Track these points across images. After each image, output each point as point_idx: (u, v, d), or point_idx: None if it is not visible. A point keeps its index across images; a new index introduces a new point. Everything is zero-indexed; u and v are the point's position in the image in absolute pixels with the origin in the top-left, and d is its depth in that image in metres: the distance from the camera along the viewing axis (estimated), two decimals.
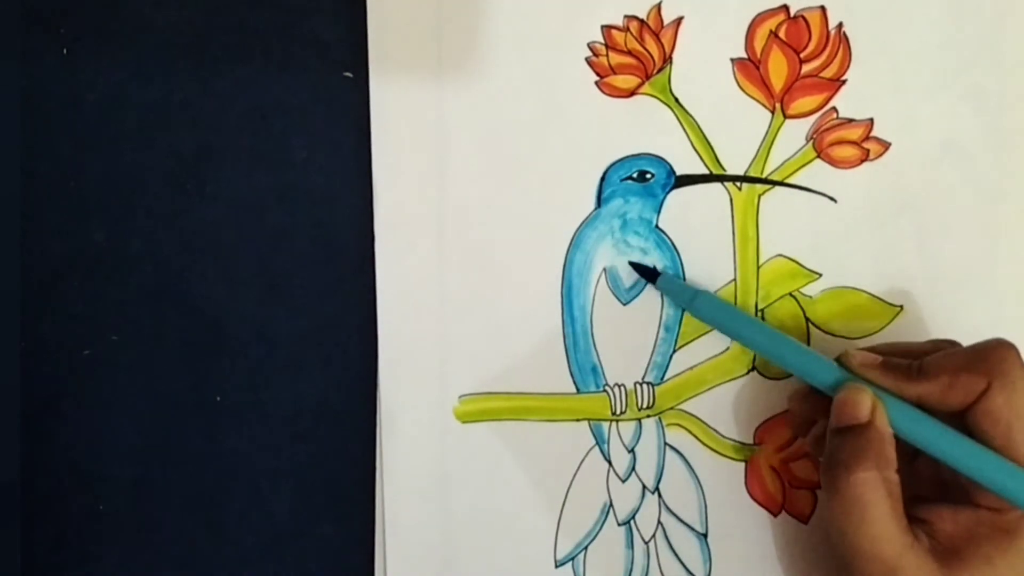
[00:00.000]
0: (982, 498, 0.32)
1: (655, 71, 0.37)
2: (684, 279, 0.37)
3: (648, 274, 0.37)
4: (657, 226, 0.37)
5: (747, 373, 0.37)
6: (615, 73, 0.37)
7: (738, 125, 0.37)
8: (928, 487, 0.34)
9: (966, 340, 0.33)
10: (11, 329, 0.37)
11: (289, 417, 0.38)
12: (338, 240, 0.38)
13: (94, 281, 0.38)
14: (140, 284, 0.38)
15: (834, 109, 0.37)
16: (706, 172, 0.37)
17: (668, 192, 0.37)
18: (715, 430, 0.37)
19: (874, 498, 0.31)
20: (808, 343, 0.37)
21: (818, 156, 0.37)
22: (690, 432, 0.37)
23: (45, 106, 0.38)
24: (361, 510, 0.37)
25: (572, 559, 0.37)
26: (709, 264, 0.37)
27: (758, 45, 0.37)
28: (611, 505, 0.37)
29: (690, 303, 0.36)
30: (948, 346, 0.34)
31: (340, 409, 0.38)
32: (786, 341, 0.35)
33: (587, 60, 0.37)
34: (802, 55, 0.37)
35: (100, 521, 0.38)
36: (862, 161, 0.37)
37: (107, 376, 0.38)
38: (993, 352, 0.32)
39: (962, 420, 0.32)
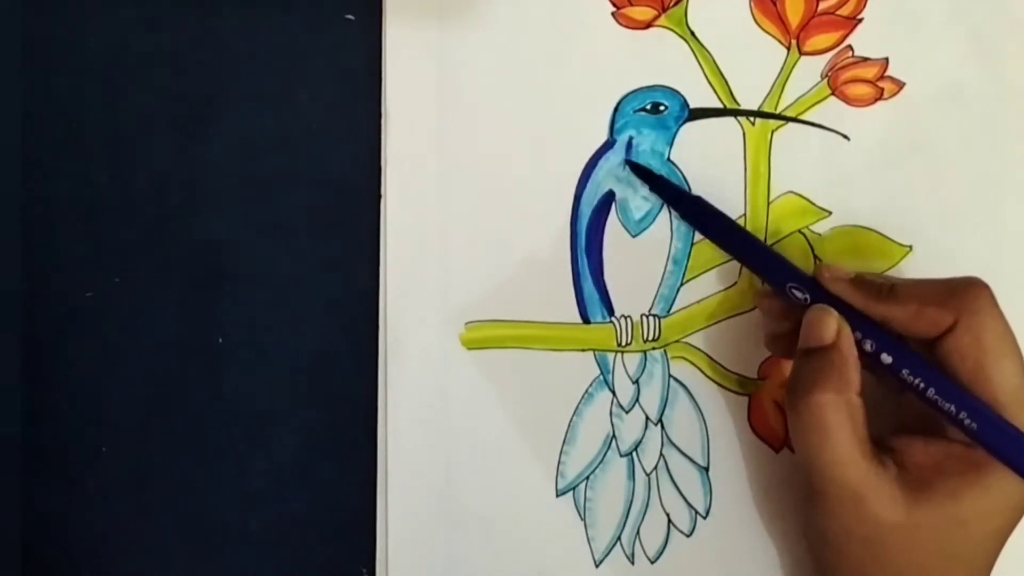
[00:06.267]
0: (954, 432, 0.32)
1: (672, 3, 0.37)
2: None
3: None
4: (669, 159, 0.37)
5: (753, 308, 0.37)
6: (632, 4, 0.37)
7: (753, 60, 0.37)
8: (914, 419, 0.33)
9: None
10: (12, 271, 0.37)
11: (291, 359, 0.38)
12: (339, 182, 0.38)
13: (96, 223, 0.38)
14: (142, 226, 0.38)
15: (850, 47, 0.37)
16: (720, 106, 0.37)
17: (681, 125, 0.37)
18: (720, 363, 0.37)
19: (835, 421, 0.31)
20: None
21: (832, 94, 0.37)
22: (695, 365, 0.37)
23: (47, 48, 0.37)
24: (363, 451, 0.37)
25: (573, 489, 0.37)
26: (719, 198, 0.37)
27: None
28: (614, 436, 0.37)
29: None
30: None
31: (342, 351, 0.38)
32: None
33: None
34: None
35: (102, 464, 0.38)
36: (876, 100, 0.37)
37: (109, 318, 0.38)
38: (965, 290, 0.31)
39: (931, 351, 0.32)
